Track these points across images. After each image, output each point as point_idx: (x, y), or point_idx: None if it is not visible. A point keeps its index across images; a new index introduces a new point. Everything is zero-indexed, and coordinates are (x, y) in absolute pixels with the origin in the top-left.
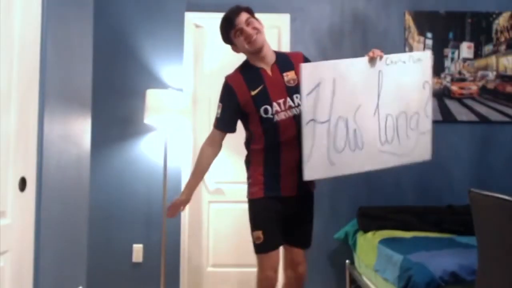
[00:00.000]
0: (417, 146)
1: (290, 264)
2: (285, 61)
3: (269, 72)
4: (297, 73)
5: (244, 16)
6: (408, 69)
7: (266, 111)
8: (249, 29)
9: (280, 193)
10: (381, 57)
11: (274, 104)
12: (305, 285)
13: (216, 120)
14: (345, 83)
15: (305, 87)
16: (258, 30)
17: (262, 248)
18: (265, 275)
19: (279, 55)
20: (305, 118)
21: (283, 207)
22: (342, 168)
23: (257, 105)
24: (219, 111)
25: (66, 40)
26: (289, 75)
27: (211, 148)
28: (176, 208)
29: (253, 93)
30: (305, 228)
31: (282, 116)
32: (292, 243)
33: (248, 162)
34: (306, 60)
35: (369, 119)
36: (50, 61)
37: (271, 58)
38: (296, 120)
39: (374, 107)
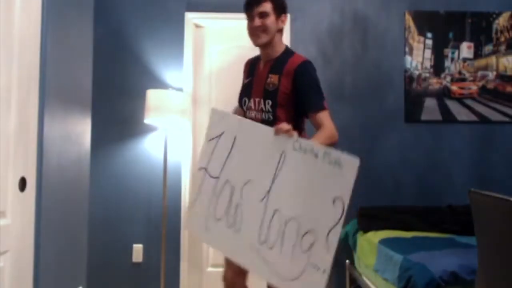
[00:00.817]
0: (302, 279)
1: None
2: (281, 64)
3: (261, 66)
4: (282, 78)
5: (264, 6)
6: (317, 168)
7: (244, 103)
8: (256, 23)
9: None
10: (289, 136)
11: (252, 100)
12: None
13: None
14: (244, 146)
15: (209, 132)
16: (265, 28)
17: None
18: (223, 276)
19: (284, 54)
20: (200, 163)
21: None
22: (213, 240)
23: (241, 94)
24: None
25: (66, 40)
26: (272, 78)
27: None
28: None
29: (245, 81)
30: None
31: (252, 114)
32: None
33: None
34: (299, 69)
35: (255, 201)
36: (50, 61)
37: (274, 55)
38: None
39: (265, 191)
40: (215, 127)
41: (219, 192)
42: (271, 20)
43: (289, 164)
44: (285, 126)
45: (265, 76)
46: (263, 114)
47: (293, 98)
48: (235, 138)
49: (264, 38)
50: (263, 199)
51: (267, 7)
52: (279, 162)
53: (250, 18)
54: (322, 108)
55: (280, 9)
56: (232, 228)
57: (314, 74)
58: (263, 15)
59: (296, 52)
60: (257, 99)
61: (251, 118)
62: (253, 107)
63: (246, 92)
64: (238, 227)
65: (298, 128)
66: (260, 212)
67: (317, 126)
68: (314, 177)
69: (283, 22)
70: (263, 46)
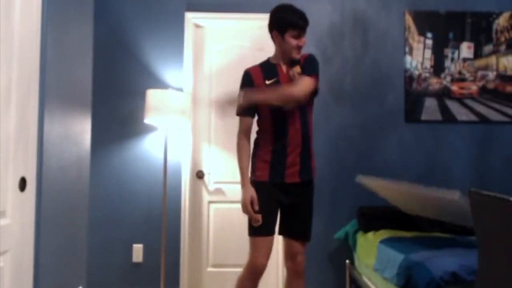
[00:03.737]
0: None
1: (289, 256)
2: (297, 61)
3: (284, 69)
4: (301, 67)
5: (305, 31)
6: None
7: None
8: (303, 42)
9: (284, 179)
10: None
11: None
12: (306, 285)
13: (238, 108)
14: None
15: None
16: (303, 47)
17: (259, 232)
18: (259, 261)
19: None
20: None
21: (285, 194)
22: None
23: None
24: (240, 98)
25: (66, 40)
26: (295, 69)
27: (246, 139)
28: (253, 204)
29: (267, 82)
30: (305, 221)
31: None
32: (292, 236)
33: (257, 145)
34: (307, 58)
35: None
36: (50, 61)
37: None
38: (301, 111)
39: None
40: None
41: None
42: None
43: None
44: None
45: (289, 74)
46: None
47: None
48: None
49: (300, 54)
50: None
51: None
52: None
53: (298, 36)
54: (311, 74)
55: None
56: None
57: (317, 62)
58: (303, 36)
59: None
60: None
61: (289, 111)
62: None
63: None
64: None
65: (311, 113)
66: None
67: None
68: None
69: None
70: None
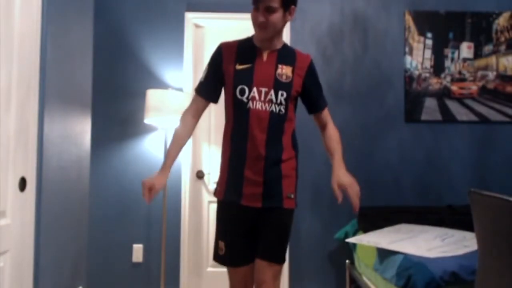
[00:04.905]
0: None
1: (255, 283)
2: (289, 55)
3: (264, 56)
4: (295, 72)
5: (272, 3)
6: None
7: (242, 92)
8: (260, 18)
9: (240, 200)
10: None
11: (254, 89)
12: (306, 285)
13: (198, 84)
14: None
15: None
16: (268, 25)
17: (223, 261)
18: None
19: (286, 47)
20: None
21: (246, 217)
22: None
23: (235, 81)
24: (203, 74)
25: (66, 40)
26: (283, 69)
27: (191, 118)
28: (151, 191)
29: (238, 67)
30: (273, 240)
31: (257, 105)
32: (257, 255)
33: (222, 143)
34: (312, 67)
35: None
36: (50, 61)
37: (276, 46)
38: (272, 117)
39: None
40: None
41: None
42: (277, 16)
43: None
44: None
45: (274, 66)
46: (273, 106)
47: (300, 95)
48: None
49: (266, 34)
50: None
51: (275, 3)
52: None
53: (255, 9)
54: (326, 105)
55: (289, 2)
56: None
57: (316, 72)
58: (270, 10)
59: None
60: (263, 89)
61: (255, 110)
62: (257, 97)
63: (243, 80)
64: None
65: (294, 129)
66: None
67: (322, 123)
68: None
69: (291, 14)
70: (263, 40)
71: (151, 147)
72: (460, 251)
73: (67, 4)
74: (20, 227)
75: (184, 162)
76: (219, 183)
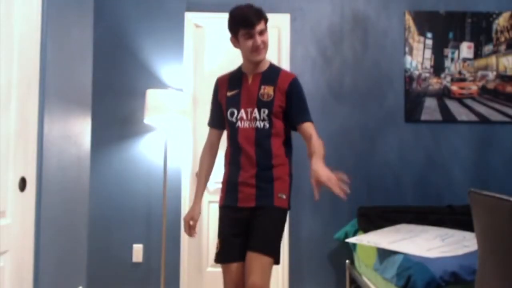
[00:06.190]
0: None
1: (245, 276)
2: (272, 76)
3: (249, 80)
4: (276, 90)
5: (262, 25)
6: None
7: (232, 114)
8: (259, 41)
9: (237, 203)
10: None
11: (242, 110)
12: (306, 285)
13: (209, 119)
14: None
15: None
16: (265, 45)
17: (218, 258)
18: None
19: (271, 69)
20: None
21: (241, 217)
22: None
23: (227, 106)
24: (210, 108)
25: (66, 40)
26: (266, 89)
27: (209, 152)
28: (193, 226)
29: (228, 94)
30: (261, 232)
31: (245, 124)
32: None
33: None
34: (293, 85)
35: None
36: (50, 61)
37: (261, 69)
38: (258, 133)
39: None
40: None
41: None
42: (267, 35)
43: None
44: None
45: (257, 87)
46: (257, 122)
47: (285, 111)
48: None
49: (264, 55)
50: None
51: (263, 24)
52: None
53: (250, 36)
54: (311, 120)
55: (267, 20)
56: None
57: (303, 90)
58: (262, 32)
59: (280, 67)
60: (249, 109)
61: (243, 128)
62: (245, 117)
63: (233, 104)
64: None
65: (288, 139)
66: None
67: (306, 135)
68: None
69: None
70: (259, 62)
71: (151, 147)
72: (460, 251)
73: (67, 5)
74: (20, 227)
75: (184, 162)
76: (220, 192)
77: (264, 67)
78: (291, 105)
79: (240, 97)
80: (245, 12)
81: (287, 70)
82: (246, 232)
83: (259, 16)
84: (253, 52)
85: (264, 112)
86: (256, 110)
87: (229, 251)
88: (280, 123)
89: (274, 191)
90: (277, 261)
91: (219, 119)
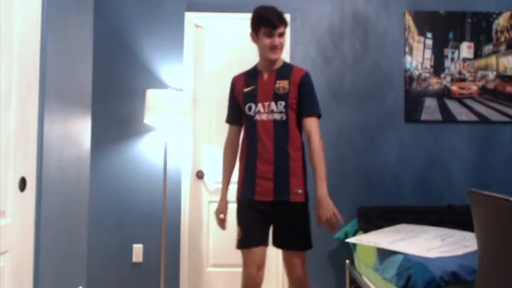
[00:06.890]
0: None
1: (287, 268)
2: (286, 71)
3: (265, 76)
4: (291, 83)
5: (282, 29)
6: None
7: (249, 108)
8: (277, 41)
9: (254, 196)
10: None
11: (259, 104)
12: None
13: (226, 116)
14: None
15: None
16: (282, 46)
17: (240, 244)
18: (248, 272)
19: (285, 65)
20: None
21: (259, 208)
22: None
23: (245, 101)
24: (227, 106)
25: (66, 40)
26: (281, 83)
27: (230, 147)
28: (223, 219)
29: (245, 90)
30: (292, 231)
31: (263, 117)
32: (280, 246)
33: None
34: (304, 79)
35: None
36: (50, 61)
37: (276, 66)
38: (276, 124)
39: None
40: None
41: None
42: (285, 38)
43: None
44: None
45: (273, 82)
46: (275, 114)
47: (298, 103)
48: None
49: (279, 54)
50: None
51: (283, 28)
52: None
53: (270, 35)
54: (316, 114)
55: (287, 25)
56: None
57: (313, 85)
58: (281, 35)
59: (292, 64)
60: (266, 103)
61: (261, 120)
62: (262, 110)
63: (250, 99)
64: None
65: (300, 130)
66: None
67: (306, 130)
68: None
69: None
70: (274, 60)
71: (151, 147)
72: (460, 251)
73: (67, 4)
74: (20, 227)
75: (184, 162)
76: (237, 183)
77: (278, 64)
78: (300, 98)
79: (257, 92)
80: (269, 14)
81: (299, 66)
82: (264, 219)
83: (282, 20)
84: (271, 50)
85: (281, 104)
86: (273, 103)
87: (249, 237)
88: (296, 115)
89: (290, 186)
90: (311, 248)
91: (236, 115)
